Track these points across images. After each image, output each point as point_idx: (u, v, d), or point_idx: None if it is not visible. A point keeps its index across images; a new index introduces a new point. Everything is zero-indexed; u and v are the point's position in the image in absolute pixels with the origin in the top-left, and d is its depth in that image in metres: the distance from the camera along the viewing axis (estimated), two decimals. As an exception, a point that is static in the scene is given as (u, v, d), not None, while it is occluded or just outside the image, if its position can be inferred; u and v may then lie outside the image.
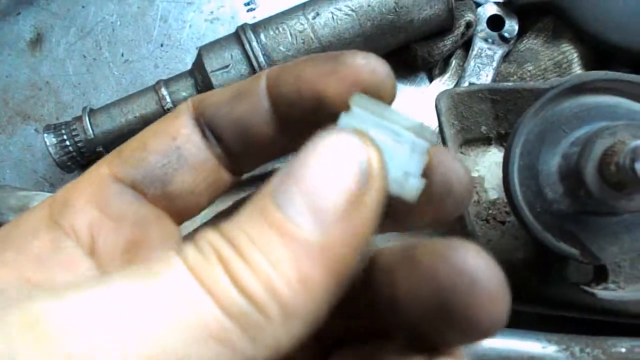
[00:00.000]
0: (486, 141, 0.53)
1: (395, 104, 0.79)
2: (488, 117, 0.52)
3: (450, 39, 0.74)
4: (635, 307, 0.44)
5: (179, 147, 0.28)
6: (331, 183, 0.19)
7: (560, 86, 0.39)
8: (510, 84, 0.49)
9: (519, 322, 0.45)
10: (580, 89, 0.39)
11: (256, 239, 0.18)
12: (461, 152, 0.53)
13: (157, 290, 0.18)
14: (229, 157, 0.29)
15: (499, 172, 0.42)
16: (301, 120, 0.27)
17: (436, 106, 0.50)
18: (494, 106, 0.51)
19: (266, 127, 0.28)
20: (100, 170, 0.27)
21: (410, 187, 0.22)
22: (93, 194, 0.26)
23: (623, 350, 0.36)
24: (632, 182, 0.32)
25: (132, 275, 0.18)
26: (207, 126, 0.28)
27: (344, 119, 0.23)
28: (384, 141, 0.22)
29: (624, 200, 0.35)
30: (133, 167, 0.27)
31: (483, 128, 0.52)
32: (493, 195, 0.51)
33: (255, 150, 0.29)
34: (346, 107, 0.23)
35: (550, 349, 0.37)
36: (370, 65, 0.25)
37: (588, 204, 0.38)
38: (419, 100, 0.78)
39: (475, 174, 0.52)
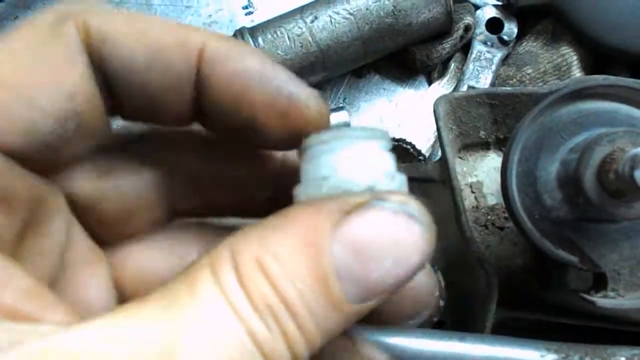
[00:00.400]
0: (485, 146, 0.53)
1: (395, 107, 0.79)
2: (486, 121, 0.51)
3: (449, 42, 0.74)
4: (635, 314, 0.44)
5: (78, 111, 0.22)
6: (393, 277, 0.21)
7: (558, 92, 0.39)
8: (508, 88, 0.49)
9: (517, 329, 0.45)
10: (578, 94, 0.39)
11: (314, 311, 0.20)
12: (460, 157, 0.53)
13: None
14: (124, 114, 0.25)
15: (497, 177, 0.42)
16: (223, 116, 0.25)
17: (434, 111, 0.49)
18: (493, 111, 0.51)
19: (180, 107, 0.25)
20: None
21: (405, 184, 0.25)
22: None
23: (623, 359, 0.36)
24: (631, 190, 0.32)
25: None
26: (109, 79, 0.23)
27: (315, 152, 0.24)
28: (386, 159, 0.24)
29: (623, 208, 0.35)
30: (20, 135, 0.21)
31: (482, 133, 0.52)
32: (492, 200, 0.51)
33: (159, 120, 0.26)
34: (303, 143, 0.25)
35: (549, 357, 0.37)
36: (318, 110, 0.25)
37: (587, 211, 0.38)
38: (418, 104, 0.78)
39: (473, 179, 0.52)
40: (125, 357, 0.17)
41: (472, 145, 0.53)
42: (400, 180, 0.24)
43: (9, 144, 0.21)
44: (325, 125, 0.26)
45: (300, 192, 0.24)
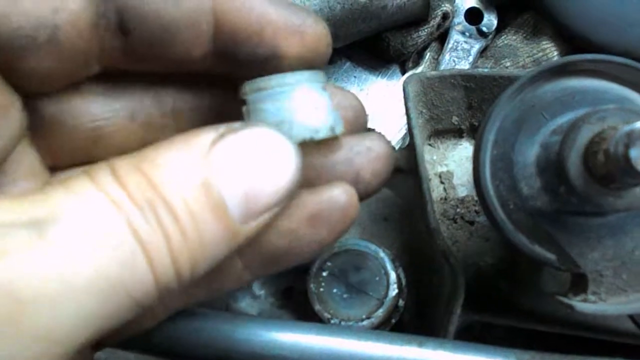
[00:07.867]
0: (457, 133, 0.48)
1: (366, 96, 0.72)
2: (460, 106, 0.47)
3: (426, 30, 0.69)
4: (616, 322, 0.40)
5: (57, 26, 0.22)
6: (271, 193, 0.23)
7: (542, 66, 0.34)
8: (486, 70, 0.44)
9: (486, 337, 0.40)
10: (564, 70, 0.34)
11: (197, 218, 0.20)
12: (429, 145, 0.48)
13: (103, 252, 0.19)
14: (124, 55, 0.25)
15: (469, 168, 0.37)
16: (242, 50, 0.26)
17: (404, 90, 0.44)
18: (468, 94, 0.46)
19: (197, 42, 0.25)
20: None
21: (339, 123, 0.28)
22: None
23: (602, 372, 0.31)
24: (624, 173, 0.27)
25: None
26: (120, 8, 0.23)
27: (262, 101, 0.25)
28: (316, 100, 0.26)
29: (612, 198, 0.30)
30: None
31: (454, 118, 0.47)
32: (462, 192, 0.46)
33: (172, 59, 0.25)
34: (247, 92, 0.26)
35: (519, 368, 0.32)
36: (325, 35, 0.27)
37: (569, 202, 0.33)
38: (391, 94, 0.73)
39: (443, 169, 0.47)
40: None
41: (444, 132, 0.48)
42: (334, 117, 0.27)
43: None
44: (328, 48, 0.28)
45: None
